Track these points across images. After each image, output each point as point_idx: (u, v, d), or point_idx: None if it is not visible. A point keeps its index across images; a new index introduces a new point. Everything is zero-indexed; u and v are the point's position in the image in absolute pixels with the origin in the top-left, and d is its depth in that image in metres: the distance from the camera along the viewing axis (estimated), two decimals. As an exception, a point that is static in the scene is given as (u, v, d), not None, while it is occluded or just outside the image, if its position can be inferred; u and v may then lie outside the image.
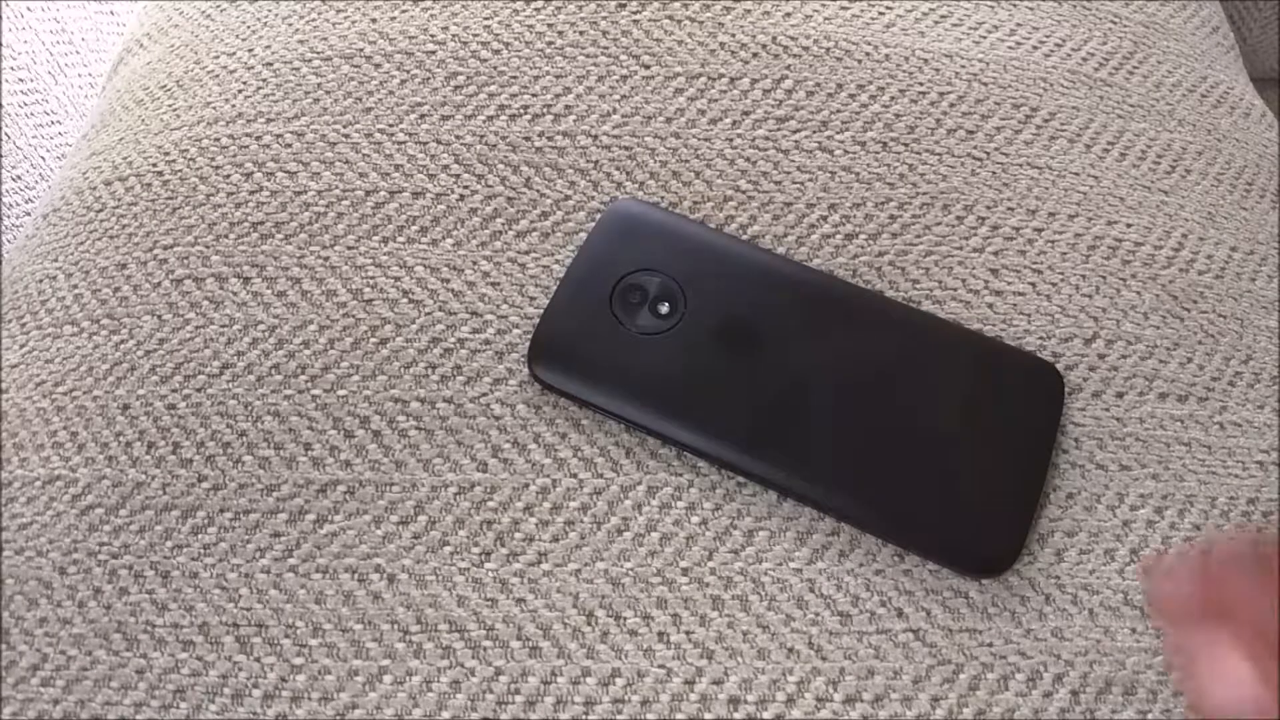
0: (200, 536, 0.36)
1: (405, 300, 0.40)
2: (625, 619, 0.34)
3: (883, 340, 0.38)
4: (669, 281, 0.39)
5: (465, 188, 0.42)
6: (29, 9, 0.65)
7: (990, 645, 0.34)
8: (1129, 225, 0.43)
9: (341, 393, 0.38)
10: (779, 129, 0.44)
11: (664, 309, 0.39)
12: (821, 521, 0.36)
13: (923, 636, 0.34)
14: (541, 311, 0.39)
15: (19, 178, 0.63)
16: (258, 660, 0.34)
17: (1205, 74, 0.51)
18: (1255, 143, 0.49)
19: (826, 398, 0.37)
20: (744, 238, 0.41)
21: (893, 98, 0.45)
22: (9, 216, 0.62)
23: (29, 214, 0.64)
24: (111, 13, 0.72)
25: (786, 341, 0.38)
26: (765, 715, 0.33)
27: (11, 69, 0.63)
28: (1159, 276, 0.42)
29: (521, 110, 0.44)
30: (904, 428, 0.36)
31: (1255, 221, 0.46)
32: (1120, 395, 0.39)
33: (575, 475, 0.37)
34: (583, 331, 0.38)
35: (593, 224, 0.41)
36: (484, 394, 0.38)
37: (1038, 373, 0.38)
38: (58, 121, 0.67)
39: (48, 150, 0.66)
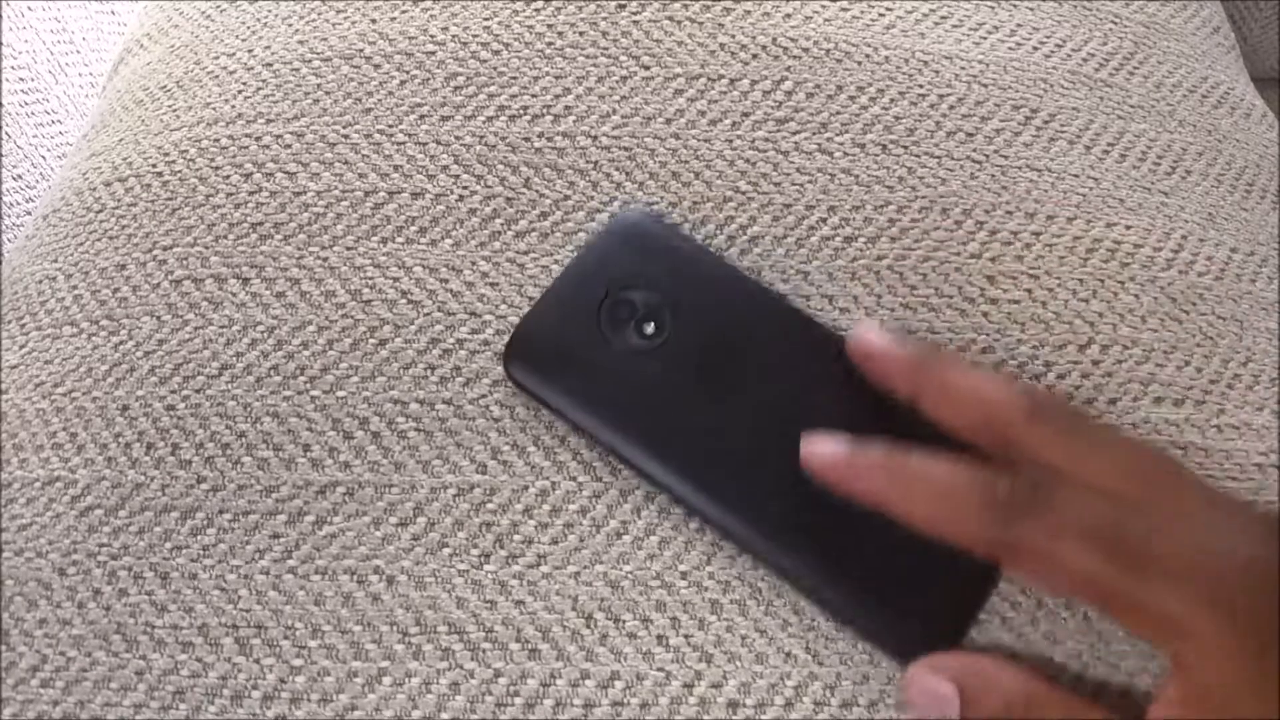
0: (199, 538, 0.36)
1: (404, 301, 0.40)
2: (624, 622, 0.34)
3: (858, 401, 0.37)
4: (660, 303, 0.38)
5: (464, 188, 0.42)
6: (30, 8, 0.65)
7: (983, 650, 0.34)
8: (1128, 227, 0.43)
9: (340, 394, 0.38)
10: (778, 130, 0.44)
11: (649, 329, 0.38)
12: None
13: (919, 641, 0.34)
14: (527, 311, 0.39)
15: (19, 177, 0.63)
16: (257, 662, 0.34)
17: (1206, 74, 0.51)
18: (1256, 143, 0.49)
19: (785, 451, 0.35)
20: (746, 269, 0.41)
21: (892, 99, 0.45)
22: (9, 216, 0.63)
23: (30, 214, 0.64)
24: (112, 12, 0.73)
25: (761, 384, 0.37)
26: (763, 719, 0.33)
27: (12, 68, 0.63)
28: (1158, 279, 0.42)
29: (521, 111, 0.44)
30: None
31: (1255, 223, 0.46)
32: (1114, 401, 0.39)
33: (574, 478, 0.37)
34: (563, 337, 0.38)
35: (595, 226, 0.41)
36: (483, 395, 0.38)
37: None
38: (58, 121, 0.67)
39: (48, 150, 0.66)
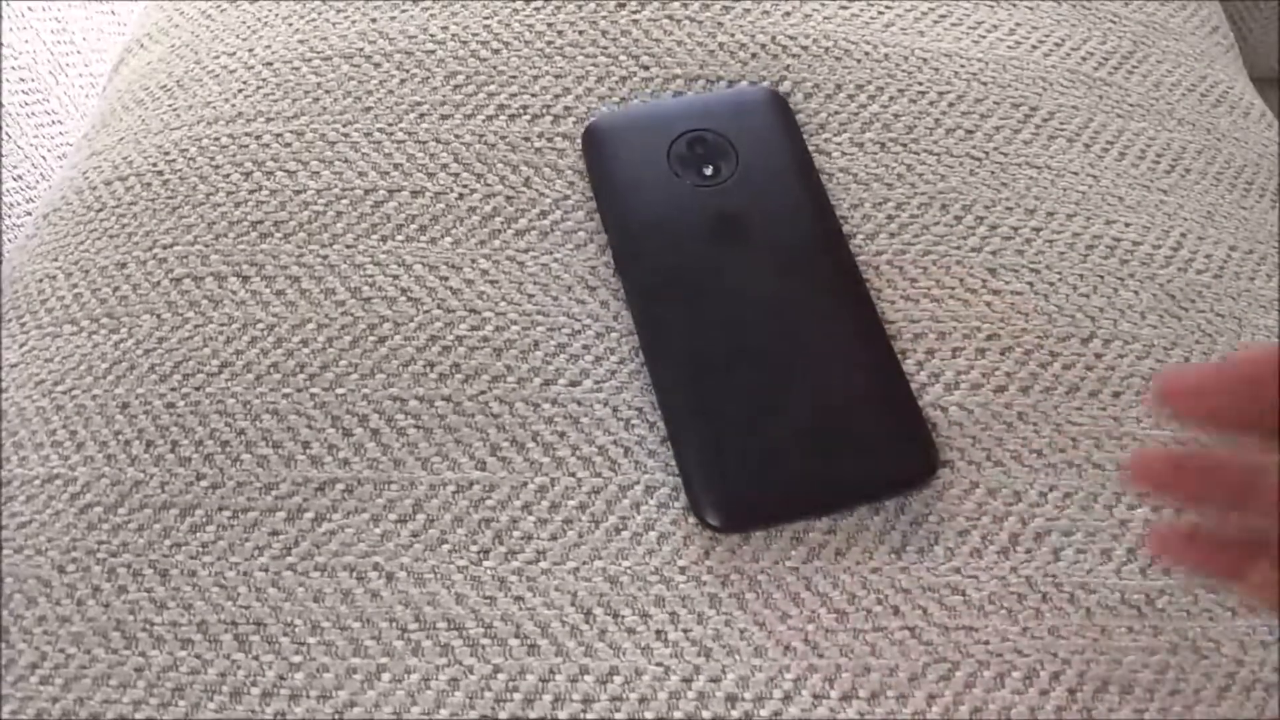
0: (199, 535, 0.36)
1: (404, 298, 0.40)
2: (623, 617, 0.34)
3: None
4: (725, 145, 0.42)
5: (464, 187, 0.42)
6: (30, 9, 0.65)
7: (987, 643, 0.34)
8: (1127, 225, 0.43)
9: (340, 391, 0.38)
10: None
11: (709, 170, 0.41)
12: (818, 521, 0.36)
13: (919, 634, 0.34)
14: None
15: (20, 177, 0.63)
16: (256, 658, 0.34)
17: (1205, 73, 0.51)
18: (1255, 142, 0.49)
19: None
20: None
21: (891, 98, 0.45)
22: (10, 216, 0.63)
23: (30, 214, 0.64)
24: (113, 13, 0.73)
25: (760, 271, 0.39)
26: (762, 713, 0.33)
27: (13, 69, 0.63)
28: (1157, 276, 0.42)
29: (521, 110, 0.44)
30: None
31: (1254, 221, 0.46)
32: (1117, 395, 0.39)
33: (574, 474, 0.37)
34: (637, 141, 0.42)
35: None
36: (482, 392, 0.38)
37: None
38: (59, 121, 0.67)
39: (49, 150, 0.66)
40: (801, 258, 0.39)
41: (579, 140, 0.43)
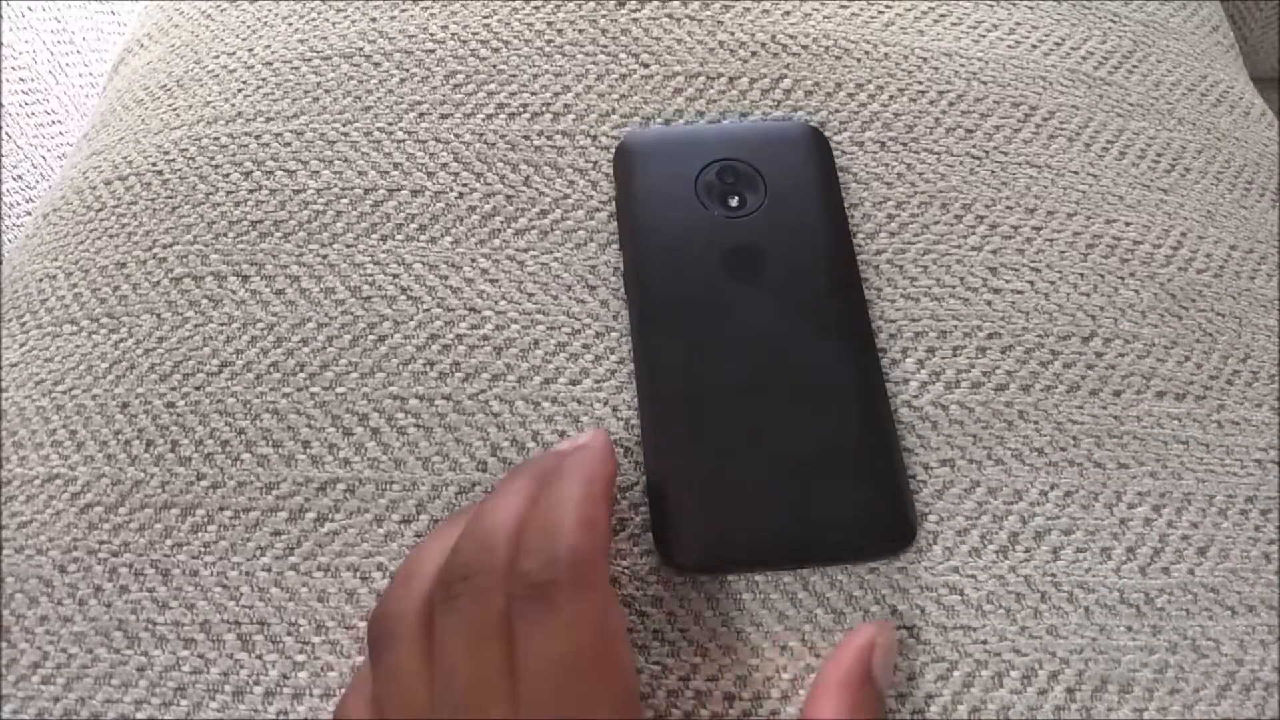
0: (200, 534, 0.36)
1: (404, 297, 0.40)
2: (621, 616, 0.34)
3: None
4: (755, 178, 0.41)
5: (464, 186, 0.42)
6: (30, 9, 0.65)
7: (985, 642, 0.34)
8: (1128, 224, 0.43)
9: (340, 390, 0.38)
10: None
11: (734, 202, 0.40)
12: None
13: (917, 634, 0.34)
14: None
15: (20, 177, 0.63)
16: (259, 658, 0.34)
17: (1205, 73, 0.51)
18: (1255, 141, 0.49)
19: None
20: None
21: (891, 96, 0.45)
22: (10, 216, 0.63)
23: (30, 213, 0.64)
24: (112, 12, 0.73)
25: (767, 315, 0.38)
26: (760, 712, 0.33)
27: (13, 68, 0.64)
28: (1157, 275, 0.42)
29: (520, 109, 0.44)
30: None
31: (1255, 220, 0.46)
32: (1118, 394, 0.39)
33: (573, 473, 0.37)
34: (665, 163, 0.42)
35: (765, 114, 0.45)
36: (482, 391, 0.38)
37: None
38: (59, 121, 0.67)
39: (48, 150, 0.66)
40: (812, 304, 0.38)
41: (581, 139, 0.43)
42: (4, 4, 0.63)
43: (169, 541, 0.36)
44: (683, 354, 0.37)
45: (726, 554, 0.34)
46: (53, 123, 0.66)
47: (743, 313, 0.38)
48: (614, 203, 0.42)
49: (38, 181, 0.65)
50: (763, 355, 0.37)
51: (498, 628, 0.26)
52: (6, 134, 0.62)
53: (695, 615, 0.34)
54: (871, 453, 0.35)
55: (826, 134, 0.44)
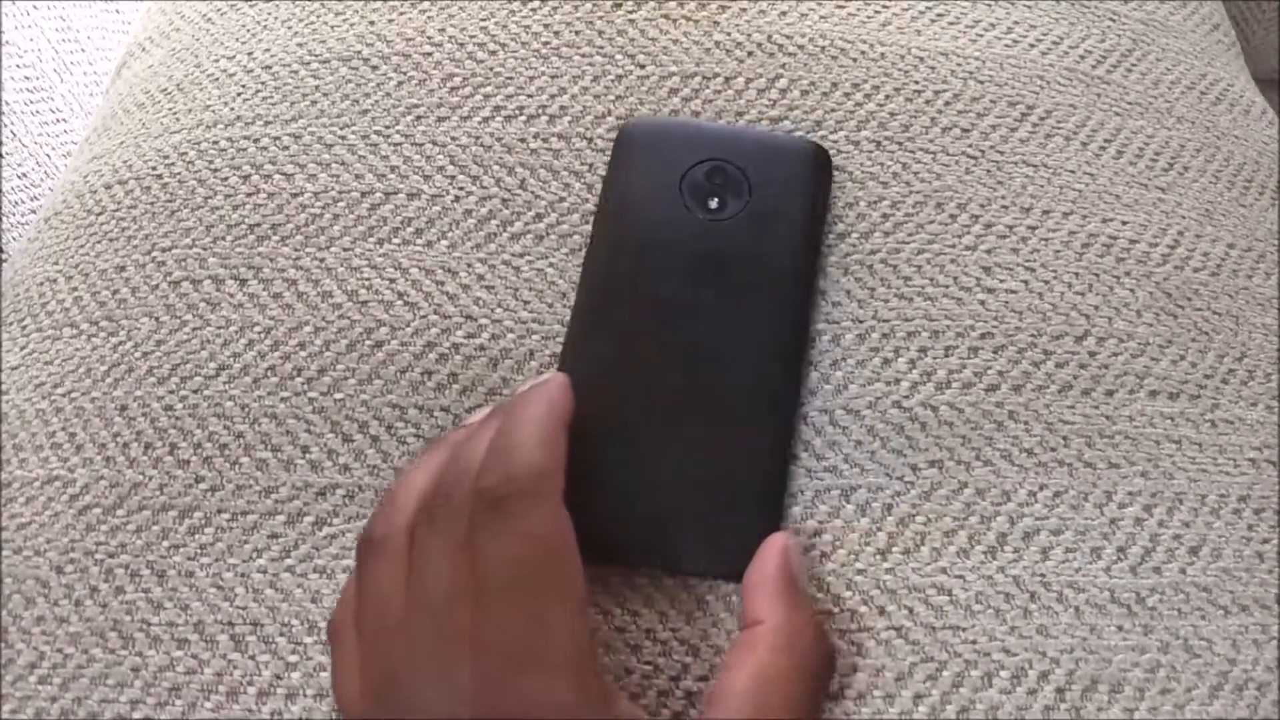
0: (197, 537, 0.36)
1: (400, 303, 0.40)
2: (614, 616, 0.35)
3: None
4: (742, 184, 0.40)
5: (460, 189, 0.43)
6: (35, 7, 0.66)
7: (974, 643, 0.34)
8: (1124, 223, 0.43)
9: (338, 396, 0.39)
10: (773, 129, 0.44)
11: (713, 204, 0.40)
12: (805, 523, 0.36)
13: (905, 634, 0.34)
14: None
15: (24, 175, 0.64)
16: (252, 658, 0.34)
17: (1205, 71, 0.51)
18: (1255, 140, 0.49)
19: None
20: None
21: (888, 96, 0.45)
22: (15, 215, 0.63)
23: (34, 212, 0.64)
24: (117, 11, 0.73)
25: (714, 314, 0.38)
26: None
27: (17, 67, 0.64)
28: (1153, 274, 0.42)
29: (517, 111, 0.44)
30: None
31: (1254, 218, 0.46)
32: (1110, 393, 0.39)
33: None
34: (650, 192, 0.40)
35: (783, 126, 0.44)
36: (479, 405, 0.38)
37: None
38: (63, 120, 0.67)
39: (53, 149, 0.66)
40: (751, 323, 0.38)
41: (577, 141, 0.43)
42: (9, 3, 0.63)
43: (165, 543, 0.36)
44: (611, 341, 0.37)
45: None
46: (57, 121, 0.67)
47: (682, 316, 0.38)
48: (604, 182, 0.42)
49: (42, 180, 0.65)
50: (686, 362, 0.37)
51: (467, 542, 0.29)
52: (11, 133, 0.63)
53: (686, 615, 0.34)
54: (747, 483, 0.36)
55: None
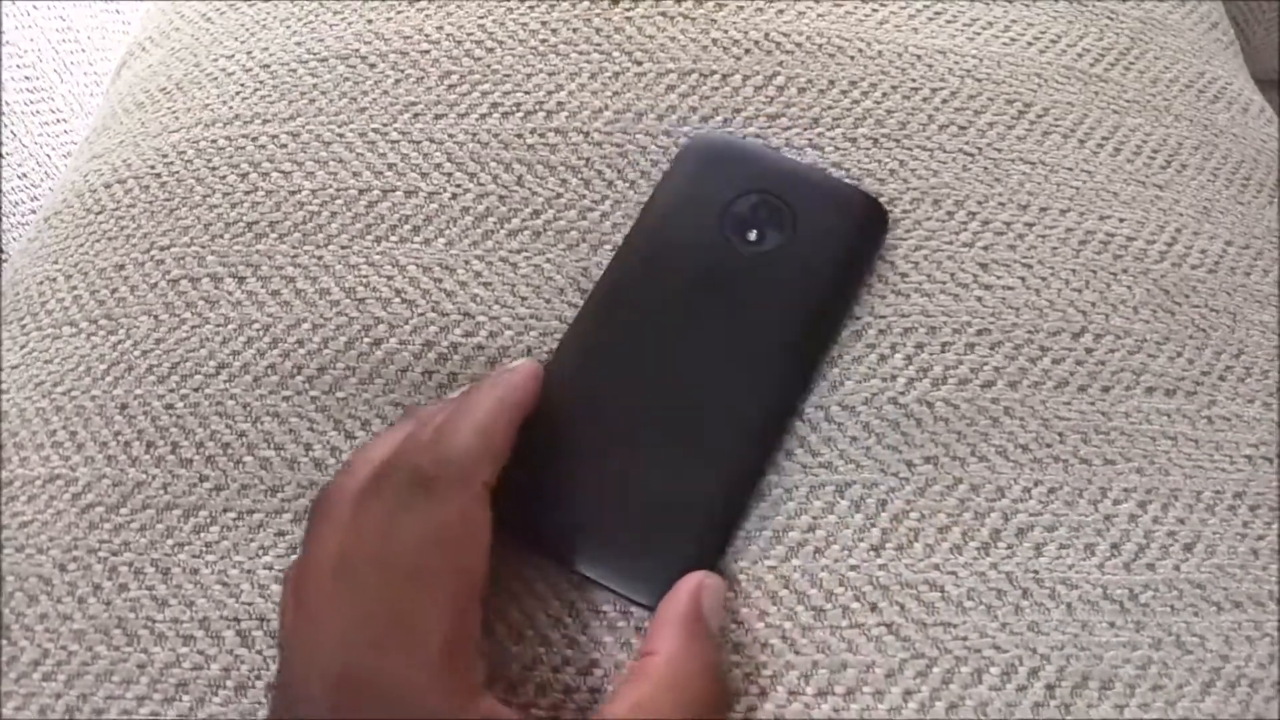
0: (202, 535, 0.37)
1: (398, 300, 0.40)
2: (605, 613, 0.35)
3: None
4: (787, 223, 0.40)
5: (458, 186, 0.43)
6: (35, 7, 0.66)
7: (965, 639, 0.34)
8: (1122, 220, 0.43)
9: (340, 395, 0.39)
10: (770, 126, 0.44)
11: (753, 234, 0.39)
12: (797, 519, 0.36)
13: (896, 630, 0.34)
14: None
15: (25, 175, 0.64)
16: (259, 653, 0.35)
17: (1203, 69, 0.51)
18: (1253, 138, 0.49)
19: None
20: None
21: (885, 94, 0.45)
22: (15, 215, 0.63)
23: (34, 212, 0.64)
24: (117, 11, 0.73)
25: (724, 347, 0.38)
26: (738, 708, 0.33)
27: (18, 67, 0.64)
28: (1150, 271, 0.42)
29: (514, 108, 0.45)
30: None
31: (1252, 216, 0.46)
32: (1106, 389, 0.39)
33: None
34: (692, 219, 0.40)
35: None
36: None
37: None
38: (63, 120, 0.67)
39: (53, 149, 0.66)
40: (753, 364, 0.37)
41: (574, 136, 0.44)
42: (9, 3, 0.63)
43: (169, 541, 0.37)
44: (605, 345, 0.38)
45: (517, 526, 0.34)
46: (57, 121, 0.67)
47: (679, 336, 0.37)
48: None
49: (42, 180, 0.65)
50: (670, 380, 0.37)
51: (393, 516, 0.30)
52: (10, 133, 0.63)
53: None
54: (692, 515, 0.35)
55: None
